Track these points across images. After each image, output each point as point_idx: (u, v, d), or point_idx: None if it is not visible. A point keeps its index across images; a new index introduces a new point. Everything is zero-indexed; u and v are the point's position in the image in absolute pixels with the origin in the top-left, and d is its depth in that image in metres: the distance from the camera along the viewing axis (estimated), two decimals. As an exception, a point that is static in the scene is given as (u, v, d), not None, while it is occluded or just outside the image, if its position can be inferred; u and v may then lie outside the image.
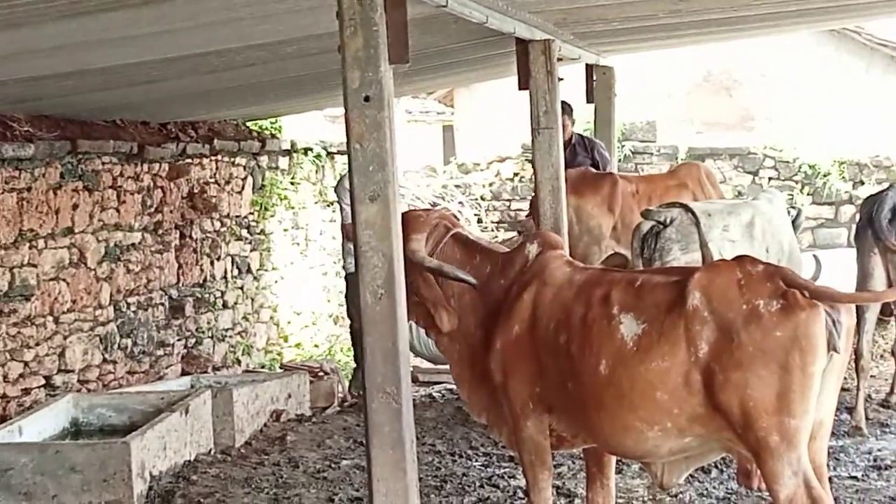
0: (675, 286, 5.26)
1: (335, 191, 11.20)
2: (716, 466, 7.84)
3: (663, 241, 8.17)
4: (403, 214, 5.73)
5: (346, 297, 11.10)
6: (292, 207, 13.48)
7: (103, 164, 9.88)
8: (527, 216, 11.08)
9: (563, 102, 10.77)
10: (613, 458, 6.06)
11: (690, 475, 7.61)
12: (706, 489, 7.52)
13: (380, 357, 5.18)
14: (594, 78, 12.26)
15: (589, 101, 12.37)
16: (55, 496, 7.23)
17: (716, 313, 5.08)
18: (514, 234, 10.04)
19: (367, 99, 5.16)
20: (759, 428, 4.99)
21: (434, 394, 10.34)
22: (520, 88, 8.52)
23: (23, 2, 4.87)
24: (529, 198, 15.13)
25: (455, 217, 6.67)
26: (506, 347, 5.73)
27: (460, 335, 6.06)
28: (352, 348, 11.28)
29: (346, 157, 14.14)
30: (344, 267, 10.94)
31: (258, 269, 12.81)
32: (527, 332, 5.66)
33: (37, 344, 9.00)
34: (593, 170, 11.21)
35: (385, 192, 5.17)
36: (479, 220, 16.75)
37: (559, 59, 8.62)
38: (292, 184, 13.56)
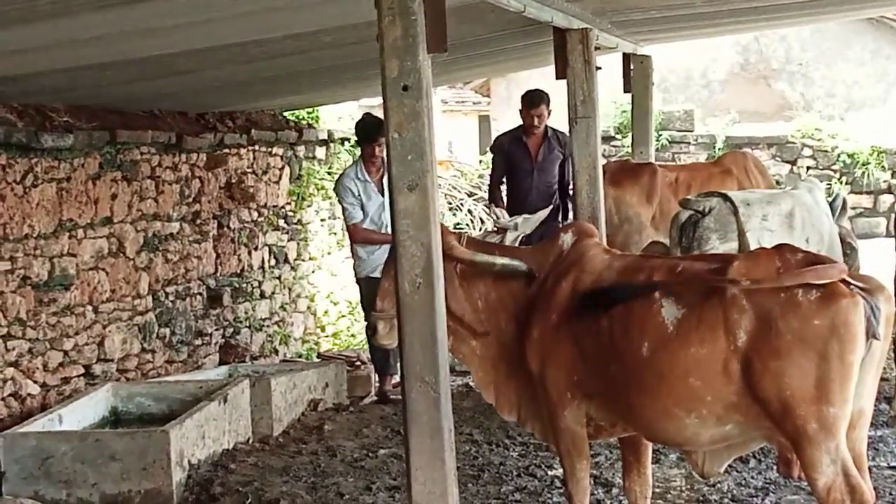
0: (715, 273, 5.26)
1: (335, 190, 10.54)
2: (754, 456, 7.81)
3: (701, 231, 8.14)
4: None
5: (361, 304, 10.45)
6: (329, 197, 13.49)
7: (142, 154, 9.92)
8: (489, 204, 10.75)
9: (541, 91, 10.79)
10: (650, 447, 6.05)
11: (729, 465, 7.60)
12: (744, 479, 7.49)
13: (418, 346, 5.20)
14: (632, 67, 12.22)
15: (626, 90, 12.35)
16: (95, 484, 7.27)
17: (754, 302, 5.07)
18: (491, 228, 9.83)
19: (405, 88, 5.16)
20: (798, 416, 4.98)
21: (471, 383, 10.33)
22: (557, 78, 8.51)
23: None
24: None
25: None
26: (544, 336, 5.72)
27: (485, 337, 6.03)
28: (374, 365, 10.47)
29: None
30: (354, 271, 10.30)
31: (295, 259, 12.84)
32: (566, 320, 5.65)
33: (76, 333, 9.04)
34: (632, 160, 11.18)
35: (423, 182, 5.18)
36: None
37: (596, 49, 8.61)
38: (329, 174, 13.57)
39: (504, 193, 11.01)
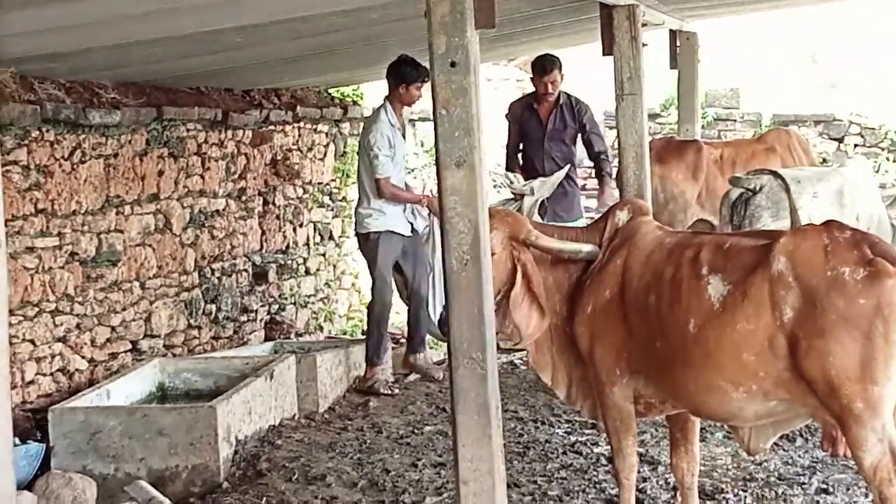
0: (762, 249, 5.24)
1: (367, 137, 9.58)
2: (801, 435, 7.78)
3: (753, 208, 8.09)
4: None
5: (372, 264, 9.75)
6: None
7: (188, 130, 9.96)
8: (507, 171, 10.35)
9: (552, 56, 10.41)
10: (697, 425, 6.05)
11: (775, 444, 7.57)
12: (791, 457, 7.46)
13: (466, 323, 5.19)
14: (678, 44, 12.14)
15: (672, 66, 12.26)
16: (143, 459, 7.31)
17: (800, 279, 5.05)
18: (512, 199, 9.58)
19: (453, 64, 5.14)
20: (843, 395, 4.96)
21: (516, 361, 10.33)
22: (603, 54, 8.45)
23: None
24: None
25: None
26: (596, 312, 5.74)
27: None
28: (367, 340, 9.82)
29: (425, 123, 14.08)
30: (363, 226, 9.68)
31: (340, 237, 12.85)
32: (617, 296, 5.68)
33: (123, 309, 9.10)
34: (677, 137, 11.10)
35: (471, 158, 5.16)
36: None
37: (643, 25, 8.55)
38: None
39: (521, 161, 10.74)
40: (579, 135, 10.55)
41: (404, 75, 9.54)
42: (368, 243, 9.69)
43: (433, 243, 9.88)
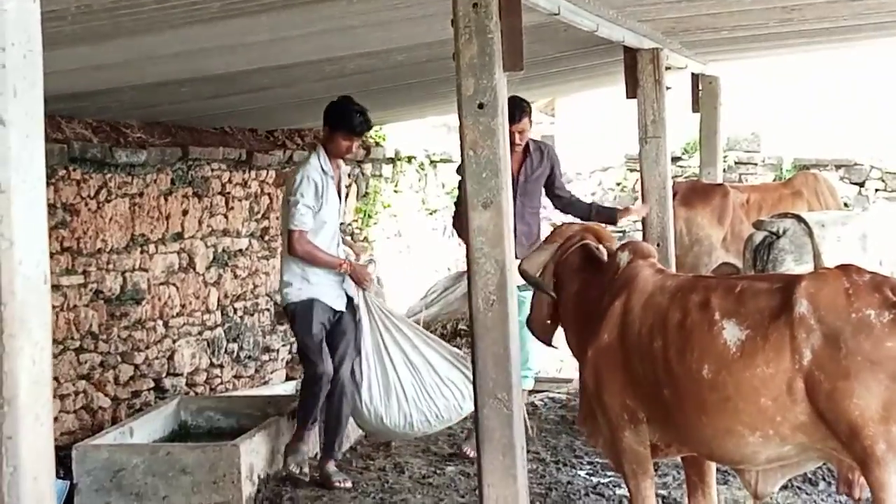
0: (780, 293, 5.22)
1: (291, 180, 7.81)
2: (823, 478, 7.75)
3: (776, 252, 8.10)
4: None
5: (298, 331, 7.93)
6: (395, 215, 13.55)
7: (212, 170, 10.02)
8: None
9: (521, 101, 8.37)
10: (714, 467, 6.03)
11: (798, 487, 7.55)
12: (814, 501, 7.43)
13: (491, 363, 5.22)
14: (700, 87, 12.21)
15: (695, 110, 12.33)
16: (165, 497, 7.32)
17: (823, 322, 5.03)
18: None
19: (481, 106, 5.20)
20: (866, 437, 4.93)
21: (536, 402, 10.32)
22: (627, 97, 8.52)
23: (146, 9, 4.97)
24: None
25: (602, 231, 6.42)
26: (596, 356, 5.73)
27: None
28: (300, 402, 8.08)
29: (447, 165, 14.08)
30: (283, 297, 7.93)
31: (361, 277, 12.85)
32: (617, 340, 5.66)
33: (146, 347, 9.14)
34: (706, 181, 11.12)
35: (498, 199, 5.20)
36: (581, 230, 16.69)
37: (666, 69, 8.61)
38: (395, 192, 13.63)
39: None
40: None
41: (337, 121, 7.73)
42: (290, 316, 7.96)
43: (361, 323, 8.10)
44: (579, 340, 5.96)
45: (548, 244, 6.10)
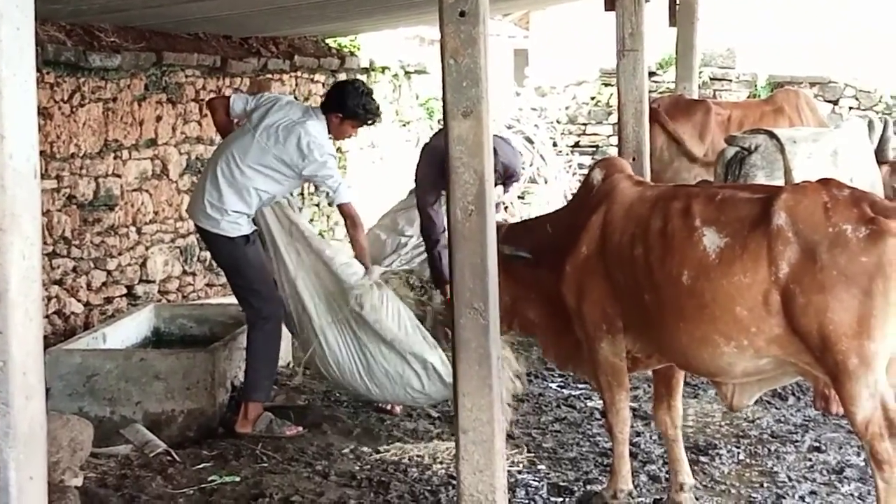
0: (760, 203, 5.24)
1: (312, 145, 7.33)
2: (793, 394, 7.84)
3: (748, 168, 8.11)
4: None
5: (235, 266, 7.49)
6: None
7: (186, 76, 9.94)
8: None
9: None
10: (681, 381, 6.09)
11: (767, 402, 7.64)
12: (783, 415, 7.52)
13: (468, 273, 5.19)
14: (677, 1, 12.14)
15: (671, 24, 12.26)
16: (139, 402, 7.32)
17: (801, 235, 5.06)
18: None
19: (462, 14, 5.12)
20: (839, 350, 4.97)
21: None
22: (606, 9, 8.45)
23: None
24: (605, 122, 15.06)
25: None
26: (575, 270, 5.80)
27: (542, 302, 6.17)
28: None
29: (421, 76, 13.96)
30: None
31: (334, 187, 12.81)
32: (596, 252, 5.73)
33: (119, 254, 9.11)
34: (686, 96, 11.07)
35: (478, 108, 5.15)
36: (555, 144, 16.68)
37: (645, -19, 8.54)
38: (370, 102, 13.54)
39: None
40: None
41: (348, 108, 7.44)
42: (236, 247, 7.42)
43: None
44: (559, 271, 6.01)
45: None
